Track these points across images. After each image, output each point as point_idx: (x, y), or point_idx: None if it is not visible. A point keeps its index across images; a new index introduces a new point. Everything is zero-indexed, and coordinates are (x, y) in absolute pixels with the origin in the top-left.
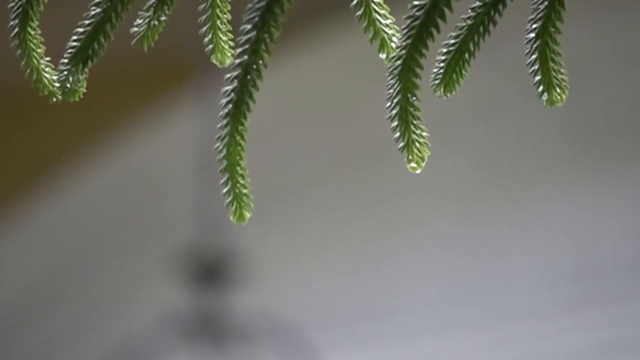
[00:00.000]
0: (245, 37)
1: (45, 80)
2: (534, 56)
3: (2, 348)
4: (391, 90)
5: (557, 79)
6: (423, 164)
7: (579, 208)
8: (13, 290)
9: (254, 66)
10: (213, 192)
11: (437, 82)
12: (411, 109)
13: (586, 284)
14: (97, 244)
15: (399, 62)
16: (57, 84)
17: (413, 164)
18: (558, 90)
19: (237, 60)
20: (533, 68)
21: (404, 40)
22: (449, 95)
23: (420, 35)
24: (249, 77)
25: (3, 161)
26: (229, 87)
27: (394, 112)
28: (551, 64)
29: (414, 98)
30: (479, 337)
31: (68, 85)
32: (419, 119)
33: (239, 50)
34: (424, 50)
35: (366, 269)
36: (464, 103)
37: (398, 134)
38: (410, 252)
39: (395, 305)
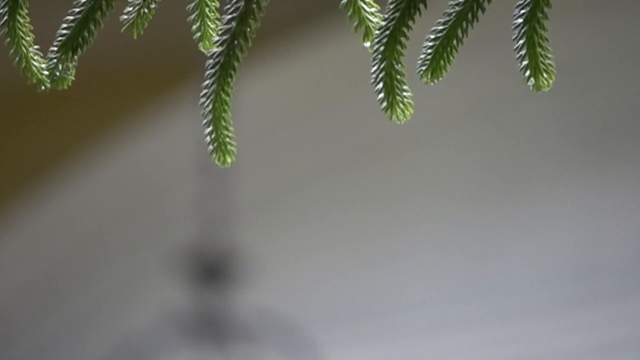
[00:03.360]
0: (234, 7)
1: (34, 68)
2: (521, 41)
3: (2, 347)
4: (379, 56)
5: (544, 64)
6: (405, 119)
7: (580, 206)
8: (13, 289)
9: (242, 32)
10: (213, 190)
11: (424, 68)
12: (396, 74)
13: (586, 283)
14: (97, 243)
15: (387, 32)
16: (45, 72)
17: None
18: (545, 75)
19: (226, 27)
20: (520, 53)
21: (392, 13)
22: (435, 81)
23: (408, 8)
24: (236, 42)
25: (3, 160)
26: (217, 50)
27: (380, 75)
28: (538, 49)
29: (399, 65)
30: (480, 335)
31: (57, 74)
32: (403, 82)
33: (227, 17)
34: (410, 23)
35: (367, 267)
36: (464, 102)
37: (382, 95)
38: (411, 250)
39: (397, 303)
